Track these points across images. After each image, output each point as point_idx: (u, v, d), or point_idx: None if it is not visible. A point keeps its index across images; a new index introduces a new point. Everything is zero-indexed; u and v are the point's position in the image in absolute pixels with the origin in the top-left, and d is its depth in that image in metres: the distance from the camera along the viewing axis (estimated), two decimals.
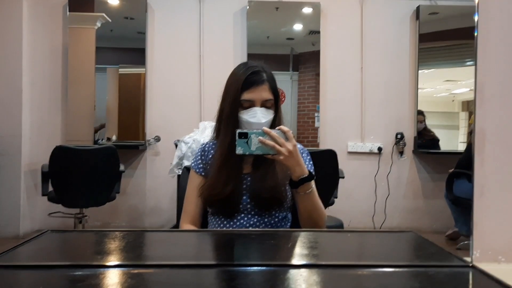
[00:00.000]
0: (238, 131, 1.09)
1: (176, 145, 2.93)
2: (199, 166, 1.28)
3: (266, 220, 1.22)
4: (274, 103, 1.25)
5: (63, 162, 2.77)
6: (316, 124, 3.98)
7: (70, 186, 2.82)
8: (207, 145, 1.32)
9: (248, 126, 1.21)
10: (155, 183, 3.71)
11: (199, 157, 1.30)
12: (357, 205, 3.73)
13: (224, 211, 1.22)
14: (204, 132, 2.86)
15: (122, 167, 3.02)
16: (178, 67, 3.73)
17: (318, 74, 3.84)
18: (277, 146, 1.09)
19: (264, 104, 1.22)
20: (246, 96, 1.21)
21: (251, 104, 1.22)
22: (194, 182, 1.26)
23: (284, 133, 1.11)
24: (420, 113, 3.74)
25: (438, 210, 3.70)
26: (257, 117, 1.20)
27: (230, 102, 1.22)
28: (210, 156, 1.29)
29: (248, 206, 1.21)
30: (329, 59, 3.77)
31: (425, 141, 3.77)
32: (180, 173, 2.65)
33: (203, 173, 1.27)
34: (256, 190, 1.19)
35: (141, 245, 0.85)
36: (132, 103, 3.84)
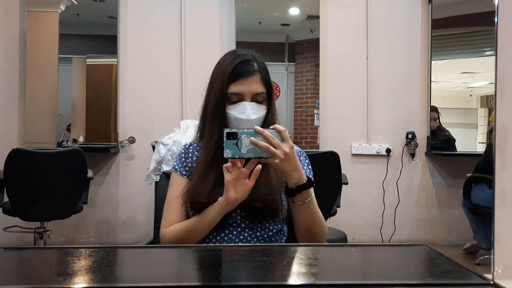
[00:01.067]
0: (226, 130, 1.08)
1: (154, 148, 2.92)
2: (183, 167, 1.28)
3: (258, 233, 1.22)
4: (267, 98, 1.25)
5: (21, 168, 2.74)
6: (316, 123, 3.99)
7: (29, 196, 2.79)
8: (190, 147, 1.32)
9: (237, 123, 1.21)
10: (129, 192, 3.70)
11: (182, 158, 1.30)
12: (362, 215, 3.76)
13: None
14: (186, 132, 2.86)
15: (90, 173, 3.00)
16: (155, 57, 3.73)
17: (317, 65, 3.86)
18: (272, 148, 1.08)
19: (255, 98, 1.22)
20: (234, 88, 1.21)
21: (239, 98, 1.22)
22: (177, 185, 1.26)
23: (279, 133, 1.10)
24: (433, 109, 3.77)
25: (454, 220, 3.74)
26: (246, 113, 1.21)
27: (216, 96, 1.23)
28: (195, 158, 1.29)
29: (238, 217, 1.22)
30: (330, 48, 3.79)
31: (440, 142, 3.81)
32: (158, 180, 2.64)
33: (187, 176, 1.27)
34: (247, 199, 1.18)
35: (112, 264, 0.85)
36: (102, 98, 3.82)
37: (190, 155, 1.30)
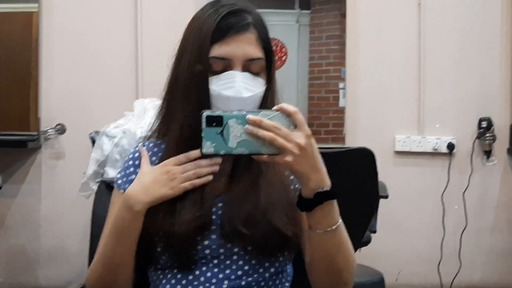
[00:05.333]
0: (205, 113, 1.09)
1: (94, 141, 2.95)
2: (129, 183, 1.30)
3: (249, 278, 1.26)
4: (266, 67, 1.30)
5: None
6: (341, 103, 4.06)
7: None
8: (149, 144, 1.36)
9: (220, 103, 1.24)
10: (56, 208, 3.74)
11: (131, 168, 1.34)
12: (410, 245, 3.80)
13: (180, 261, 1.25)
14: (142, 118, 2.88)
15: None
16: (96, 8, 3.77)
17: (343, 15, 3.90)
18: (280, 139, 1.08)
19: (248, 67, 1.26)
20: (218, 51, 1.24)
21: (225, 65, 1.25)
22: None
23: (288, 116, 1.11)
24: None
25: None
26: (235, 87, 1.23)
27: (191, 63, 1.25)
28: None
29: (221, 251, 1.25)
30: None
31: None
32: (97, 190, 2.67)
33: None
34: (235, 223, 1.22)
35: None
36: (14, 65, 3.86)
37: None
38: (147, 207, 1.22)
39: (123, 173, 1.34)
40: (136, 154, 1.35)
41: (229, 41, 1.24)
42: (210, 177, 1.23)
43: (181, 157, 1.23)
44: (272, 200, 1.24)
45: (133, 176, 1.31)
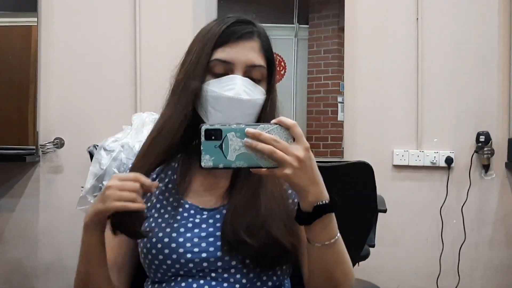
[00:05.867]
0: (203, 127, 1.10)
1: (92, 155, 2.96)
2: None
3: None
4: (267, 77, 1.32)
5: None
6: (340, 117, 4.06)
7: None
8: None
9: (220, 106, 1.25)
10: (54, 222, 3.74)
11: None
12: (409, 259, 3.80)
13: (177, 275, 1.27)
14: (141, 132, 2.89)
15: None
16: (96, 19, 3.78)
17: (342, 29, 3.90)
18: (279, 152, 1.08)
19: (249, 73, 1.28)
20: (221, 54, 1.27)
21: (227, 68, 1.27)
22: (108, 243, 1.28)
23: (287, 129, 1.11)
24: None
25: None
26: (236, 89, 1.25)
27: (194, 65, 1.28)
28: (152, 178, 1.33)
29: (218, 264, 1.26)
30: (361, 3, 3.84)
31: None
32: None
33: None
34: (238, 231, 1.23)
35: None
36: (13, 78, 3.85)
37: None
38: (89, 221, 1.19)
39: None
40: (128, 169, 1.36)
41: (232, 45, 1.27)
42: (143, 206, 1.17)
43: (129, 175, 1.19)
44: (272, 211, 1.25)
45: None
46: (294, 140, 1.11)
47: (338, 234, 1.19)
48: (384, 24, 3.87)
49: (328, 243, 1.17)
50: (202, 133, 1.08)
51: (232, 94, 1.24)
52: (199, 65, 1.27)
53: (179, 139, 1.29)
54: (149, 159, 1.30)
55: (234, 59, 1.26)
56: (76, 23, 3.80)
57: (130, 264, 1.36)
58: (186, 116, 1.26)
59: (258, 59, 1.29)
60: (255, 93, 1.27)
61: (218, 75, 1.27)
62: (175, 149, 1.32)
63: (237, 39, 1.27)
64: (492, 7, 3.82)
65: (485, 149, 3.77)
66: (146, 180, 1.16)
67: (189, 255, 1.25)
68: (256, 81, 1.29)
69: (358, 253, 2.65)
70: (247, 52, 1.27)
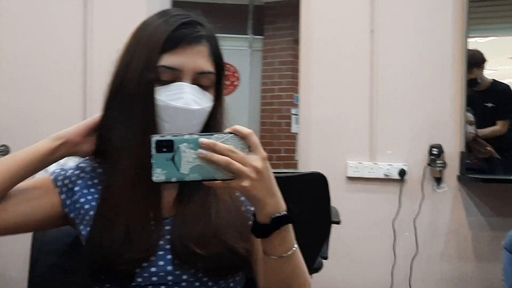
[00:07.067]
0: (154, 137, 1.05)
1: None
2: (64, 173, 1.32)
3: None
4: (216, 83, 1.28)
5: None
6: (294, 129, 4.07)
7: None
8: (87, 167, 1.34)
9: (167, 115, 1.21)
10: None
11: (68, 182, 1.32)
12: (361, 271, 3.82)
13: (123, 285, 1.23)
14: None
15: None
16: (43, 25, 3.74)
17: (296, 41, 3.93)
18: (236, 164, 1.04)
19: (198, 80, 1.23)
20: (169, 60, 1.21)
21: (174, 76, 1.22)
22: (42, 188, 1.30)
23: (243, 138, 1.08)
24: (470, 111, 3.87)
25: (501, 278, 3.83)
26: (184, 98, 1.21)
27: (138, 70, 1.22)
28: (94, 189, 1.30)
29: (169, 278, 1.22)
30: (316, 15, 3.86)
31: (478, 161, 3.90)
32: None
33: (67, 208, 1.29)
34: (187, 243, 1.20)
35: None
36: None
37: (77, 189, 1.30)
38: (62, 141, 1.24)
39: (60, 173, 1.34)
40: (73, 171, 1.34)
41: (180, 51, 1.22)
42: None
43: None
44: (224, 218, 1.23)
45: (70, 177, 1.32)
46: (250, 149, 1.07)
47: (295, 246, 1.17)
48: (339, 36, 3.90)
49: (286, 255, 1.15)
50: (153, 144, 1.04)
51: (180, 104, 1.20)
52: (145, 71, 1.21)
53: None
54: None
55: (182, 66, 1.21)
56: (23, 26, 3.76)
57: (20, 218, 1.29)
58: (142, 144, 1.20)
59: (207, 65, 1.24)
60: (204, 101, 1.24)
61: (165, 83, 1.21)
62: None
63: (185, 44, 1.22)
64: (446, 20, 3.88)
65: (437, 162, 3.81)
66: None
67: (138, 270, 1.21)
68: (204, 87, 1.25)
69: (311, 265, 2.65)
70: (195, 58, 1.22)
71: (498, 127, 3.97)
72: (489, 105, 4.01)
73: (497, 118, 3.98)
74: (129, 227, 1.20)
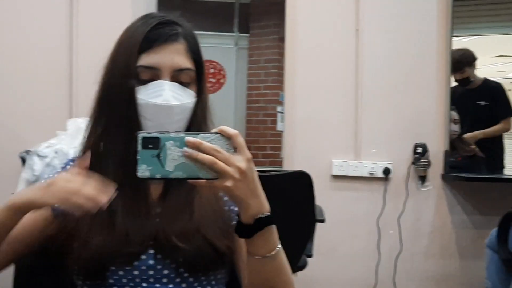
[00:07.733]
0: (141, 134, 1.06)
1: (24, 161, 2.92)
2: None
3: None
4: (196, 79, 1.29)
5: None
6: (279, 126, 4.06)
7: None
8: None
9: (148, 113, 1.23)
10: None
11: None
12: (346, 269, 3.83)
13: (104, 284, 1.23)
14: (76, 138, 2.85)
15: None
16: (29, 23, 3.72)
17: (282, 39, 3.91)
18: (220, 164, 1.05)
19: (177, 77, 1.25)
20: (146, 59, 1.24)
21: (153, 74, 1.24)
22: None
23: (228, 138, 1.08)
24: (455, 111, 3.90)
25: (484, 277, 3.85)
26: (163, 96, 1.22)
27: (119, 73, 1.25)
28: None
29: (150, 272, 1.23)
30: (302, 13, 3.86)
31: (462, 159, 3.92)
32: None
33: (55, 211, 1.28)
34: (170, 237, 1.21)
35: None
36: None
37: None
38: (19, 204, 1.15)
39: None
40: (68, 166, 1.34)
41: (157, 50, 1.24)
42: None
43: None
44: (206, 215, 1.25)
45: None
46: (235, 150, 1.08)
47: (279, 246, 1.18)
48: (324, 35, 3.90)
49: (269, 255, 1.16)
50: (139, 141, 1.04)
51: (159, 101, 1.21)
52: (126, 73, 1.23)
53: None
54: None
55: (159, 64, 1.23)
56: (8, 24, 3.73)
57: (24, 242, 1.29)
58: (127, 141, 1.21)
59: (185, 62, 1.26)
60: (185, 97, 1.25)
61: (145, 82, 1.23)
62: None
63: (161, 43, 1.24)
64: (431, 20, 3.90)
65: (421, 160, 3.82)
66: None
67: (119, 264, 1.22)
68: (185, 84, 1.26)
69: (296, 263, 2.66)
70: (173, 55, 1.24)
71: (501, 126, 4.00)
72: (482, 103, 4.04)
73: (499, 118, 4.01)
74: (125, 224, 1.22)
